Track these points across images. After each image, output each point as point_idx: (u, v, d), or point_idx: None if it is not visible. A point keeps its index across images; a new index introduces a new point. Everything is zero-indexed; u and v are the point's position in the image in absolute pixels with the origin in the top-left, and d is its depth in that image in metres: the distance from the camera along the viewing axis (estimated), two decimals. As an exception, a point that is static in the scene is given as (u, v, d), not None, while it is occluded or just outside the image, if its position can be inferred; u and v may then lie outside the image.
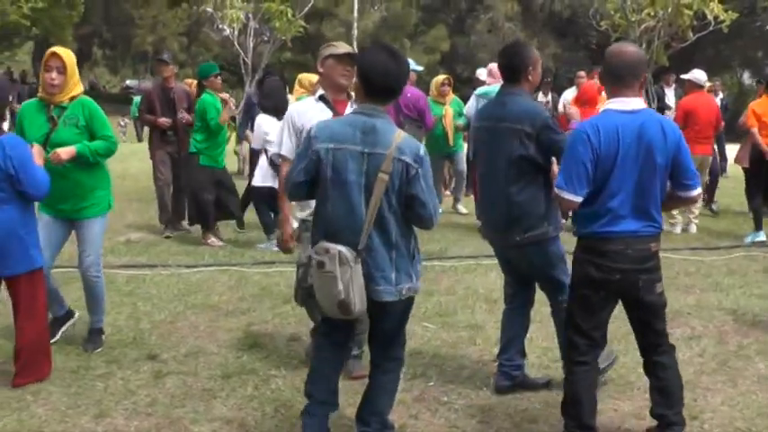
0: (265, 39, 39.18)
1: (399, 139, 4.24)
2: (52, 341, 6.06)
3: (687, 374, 5.91)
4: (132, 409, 5.19)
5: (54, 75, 5.93)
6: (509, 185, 5.32)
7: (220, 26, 39.37)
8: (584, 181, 4.43)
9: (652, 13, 21.84)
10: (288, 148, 5.74)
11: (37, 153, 5.54)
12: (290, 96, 11.04)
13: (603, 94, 13.31)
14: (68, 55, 6.06)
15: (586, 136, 4.42)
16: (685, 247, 10.69)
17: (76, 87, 6.10)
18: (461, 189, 13.94)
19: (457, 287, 8.33)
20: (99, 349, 6.27)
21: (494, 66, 11.50)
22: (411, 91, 10.99)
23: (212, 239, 10.37)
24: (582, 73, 16.07)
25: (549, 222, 5.38)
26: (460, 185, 13.91)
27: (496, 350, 6.30)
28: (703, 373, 6.02)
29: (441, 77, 13.56)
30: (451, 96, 13.15)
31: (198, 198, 10.32)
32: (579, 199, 4.47)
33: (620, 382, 5.78)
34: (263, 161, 9.93)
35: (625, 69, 4.52)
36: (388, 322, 4.54)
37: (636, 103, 4.53)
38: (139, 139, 31.33)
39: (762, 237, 11.12)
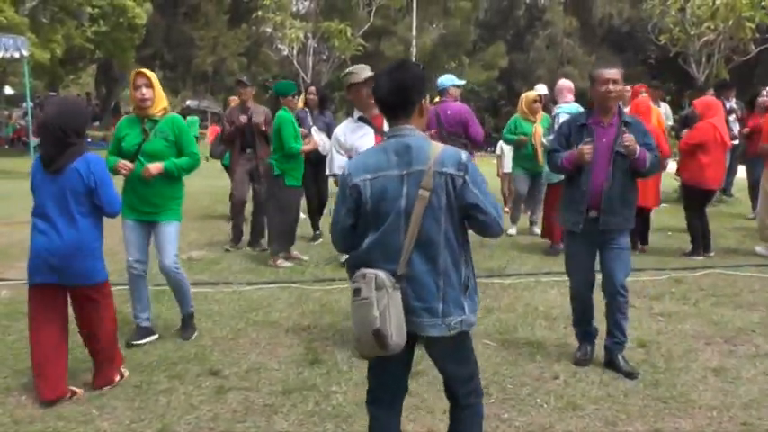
0: (324, 58, 39.57)
1: (437, 152, 3.92)
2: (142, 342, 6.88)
3: (752, 393, 5.85)
4: (195, 424, 5.26)
5: (144, 90, 6.63)
6: None
7: (280, 46, 39.85)
8: None
9: (712, 27, 21.59)
10: (339, 165, 6.43)
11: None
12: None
13: (656, 106, 13.26)
14: (150, 72, 6.78)
15: None
16: (749, 263, 10.52)
17: (163, 100, 6.81)
18: (539, 211, 13.00)
19: (516, 304, 8.31)
20: (195, 334, 7.09)
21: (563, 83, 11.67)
22: (451, 107, 10.64)
23: (280, 261, 10.26)
24: (627, 88, 15.54)
25: None
26: (539, 207, 13.02)
27: (557, 367, 6.30)
28: (768, 391, 5.93)
29: (532, 94, 12.89)
30: (541, 114, 12.49)
31: (285, 220, 10.24)
32: None
33: (681, 399, 5.71)
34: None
35: None
36: (446, 361, 4.20)
37: None
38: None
39: None
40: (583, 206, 6.16)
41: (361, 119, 6.57)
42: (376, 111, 6.26)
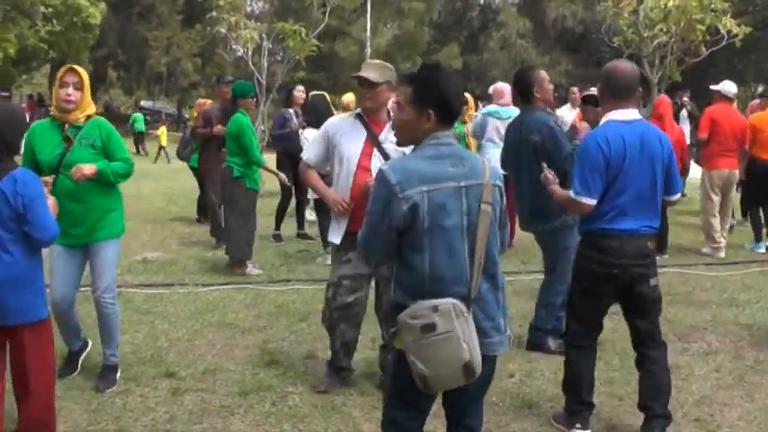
0: (279, 58, 39.43)
1: (487, 164, 3.66)
2: (75, 374, 6.10)
3: (704, 389, 5.94)
4: (151, 426, 5.22)
5: (70, 90, 5.56)
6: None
7: (234, 47, 39.63)
8: (600, 186, 4.81)
9: (665, 29, 21.86)
10: (313, 155, 5.87)
11: (52, 204, 4.80)
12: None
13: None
14: (84, 72, 5.74)
15: (598, 145, 4.79)
16: (701, 262, 10.66)
17: (91, 106, 5.75)
18: None
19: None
20: (112, 388, 5.85)
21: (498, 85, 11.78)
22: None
23: (250, 268, 9.88)
24: (575, 89, 15.61)
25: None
26: None
27: (512, 365, 6.31)
28: (720, 388, 6.01)
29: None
30: (472, 114, 12.25)
31: (247, 225, 9.83)
32: (595, 203, 4.83)
33: (636, 397, 5.76)
34: None
35: (623, 85, 4.91)
36: (483, 379, 3.68)
37: (633, 113, 4.94)
38: (137, 151, 32.04)
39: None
40: None
41: (359, 116, 5.72)
42: (380, 116, 5.70)
